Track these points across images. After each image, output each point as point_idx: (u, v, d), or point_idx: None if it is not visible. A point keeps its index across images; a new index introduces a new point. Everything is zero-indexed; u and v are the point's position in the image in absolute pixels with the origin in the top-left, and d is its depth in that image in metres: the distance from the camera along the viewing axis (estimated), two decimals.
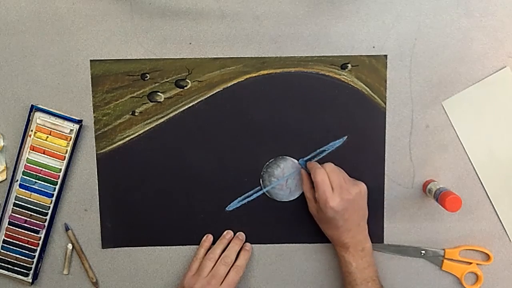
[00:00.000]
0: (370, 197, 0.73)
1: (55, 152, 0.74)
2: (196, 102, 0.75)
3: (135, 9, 0.73)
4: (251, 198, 0.76)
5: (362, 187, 0.71)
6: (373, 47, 0.74)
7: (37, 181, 0.74)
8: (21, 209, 0.75)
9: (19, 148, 0.74)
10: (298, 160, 0.75)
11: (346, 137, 0.75)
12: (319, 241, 0.77)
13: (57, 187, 0.74)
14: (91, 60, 0.73)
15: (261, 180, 0.76)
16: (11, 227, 0.75)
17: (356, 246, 0.71)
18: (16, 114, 0.74)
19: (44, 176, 0.74)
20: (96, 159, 0.75)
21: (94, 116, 0.75)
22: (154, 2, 0.73)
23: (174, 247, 0.77)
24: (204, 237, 0.77)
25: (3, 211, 0.75)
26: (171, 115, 0.75)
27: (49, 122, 0.73)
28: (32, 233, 0.75)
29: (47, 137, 0.73)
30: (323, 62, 0.74)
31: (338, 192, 0.68)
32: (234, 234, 0.77)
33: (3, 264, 0.76)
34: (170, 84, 0.74)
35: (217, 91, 0.75)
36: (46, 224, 0.75)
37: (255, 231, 0.77)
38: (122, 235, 0.77)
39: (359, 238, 0.71)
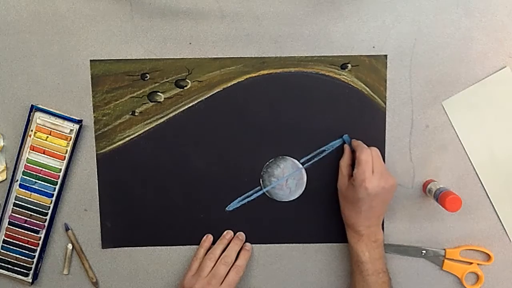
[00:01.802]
0: None
1: (55, 152, 0.74)
2: (196, 102, 0.75)
3: (135, 9, 0.73)
4: (251, 198, 0.76)
5: (395, 183, 0.71)
6: (373, 47, 0.74)
7: (37, 181, 0.74)
8: (21, 209, 0.75)
9: (19, 148, 0.74)
10: (302, 163, 0.75)
11: (347, 135, 0.75)
12: (319, 241, 0.77)
13: (57, 187, 0.74)
14: (91, 60, 0.73)
15: (261, 180, 0.76)
16: (11, 227, 0.75)
17: (370, 236, 0.71)
18: (16, 114, 0.74)
19: (44, 176, 0.74)
20: (96, 159, 0.75)
21: (94, 116, 0.75)
22: (154, 2, 0.73)
23: (174, 247, 0.77)
24: (204, 237, 0.77)
25: (3, 211, 0.75)
26: (171, 115, 0.75)
27: (49, 122, 0.73)
28: (32, 233, 0.75)
29: (47, 137, 0.73)
30: (323, 62, 0.74)
31: (377, 176, 0.68)
32: (234, 234, 0.77)
33: (3, 264, 0.76)
34: (170, 84, 0.74)
35: (217, 91, 0.75)
36: (46, 224, 0.75)
37: (255, 231, 0.77)
38: (122, 235, 0.77)
39: (374, 230, 0.71)
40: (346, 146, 0.74)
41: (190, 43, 0.73)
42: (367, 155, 0.69)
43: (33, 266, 0.76)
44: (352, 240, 0.72)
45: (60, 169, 0.74)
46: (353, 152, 0.73)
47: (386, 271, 0.71)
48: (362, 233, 0.71)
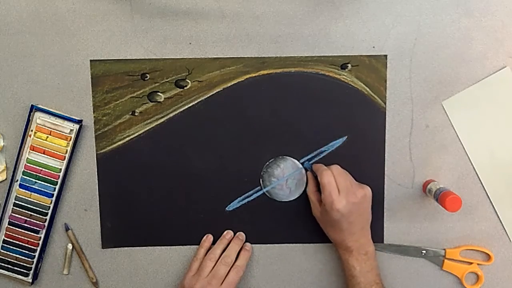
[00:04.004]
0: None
1: (55, 152, 0.74)
2: (196, 102, 0.75)
3: (135, 9, 0.73)
4: (251, 198, 0.76)
5: (367, 191, 0.71)
6: (373, 47, 0.74)
7: (37, 181, 0.74)
8: (21, 209, 0.75)
9: (19, 148, 0.74)
10: (302, 163, 0.75)
11: (346, 137, 0.75)
12: (319, 241, 0.77)
13: (57, 187, 0.74)
14: (91, 60, 0.73)
15: (261, 180, 0.76)
16: (11, 227, 0.75)
17: (359, 249, 0.71)
18: (16, 114, 0.74)
19: (44, 176, 0.74)
20: (96, 159, 0.75)
21: (94, 116, 0.75)
22: (154, 2, 0.73)
23: (174, 247, 0.77)
24: (204, 237, 0.77)
25: (3, 211, 0.75)
26: (171, 115, 0.75)
27: (49, 122, 0.73)
28: (32, 233, 0.75)
29: (47, 137, 0.73)
30: (323, 62, 0.74)
31: (344, 194, 0.68)
32: (234, 234, 0.77)
33: (3, 264, 0.76)
34: (170, 84, 0.74)
35: (217, 91, 0.75)
36: (46, 224, 0.75)
37: (255, 231, 0.77)
38: (122, 235, 0.77)
39: (362, 242, 0.71)
40: (309, 173, 0.75)
41: (190, 43, 0.73)
42: (328, 176, 0.69)
43: (33, 266, 0.76)
44: (343, 257, 0.72)
45: (60, 169, 0.74)
46: (316, 177, 0.73)
47: (380, 282, 0.71)
48: (352, 248, 0.71)
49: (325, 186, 0.68)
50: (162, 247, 0.77)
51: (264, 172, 0.76)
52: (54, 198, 0.75)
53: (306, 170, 0.75)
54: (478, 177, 0.76)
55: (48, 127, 0.73)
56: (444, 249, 0.77)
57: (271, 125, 0.75)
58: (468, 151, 0.75)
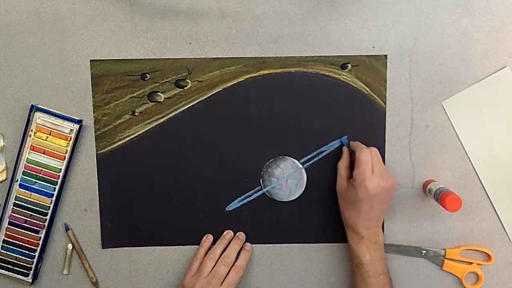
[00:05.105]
0: None
1: (55, 152, 0.74)
2: (196, 102, 0.75)
3: (135, 9, 0.73)
4: (251, 198, 0.76)
5: (395, 183, 0.71)
6: (373, 47, 0.74)
7: (37, 181, 0.74)
8: (21, 209, 0.75)
9: (19, 148, 0.74)
10: (302, 163, 0.75)
11: (346, 137, 0.75)
12: (319, 241, 0.77)
13: (57, 187, 0.74)
14: (91, 60, 0.73)
15: (261, 180, 0.76)
16: (11, 227, 0.75)
17: (370, 237, 0.70)
18: (16, 114, 0.74)
19: (44, 176, 0.74)
20: (96, 159, 0.75)
21: (94, 116, 0.75)
22: (154, 2, 0.73)
23: (174, 247, 0.77)
24: (204, 237, 0.77)
25: (3, 211, 0.75)
26: (171, 115, 0.75)
27: (49, 122, 0.73)
28: (32, 233, 0.75)
29: (47, 137, 0.73)
30: (323, 62, 0.74)
31: (377, 176, 0.68)
32: (234, 234, 0.77)
33: (3, 264, 0.76)
34: (170, 84, 0.74)
35: (217, 91, 0.75)
36: (46, 224, 0.75)
37: (255, 231, 0.77)
38: (122, 235, 0.77)
39: (374, 231, 0.71)
40: (345, 148, 0.74)
41: (190, 43, 0.73)
42: (367, 155, 0.69)
43: (33, 266, 0.76)
44: (352, 242, 0.72)
45: (60, 169, 0.74)
46: (351, 154, 0.73)
47: (387, 272, 0.71)
48: (363, 235, 0.70)
49: (362, 162, 0.68)
50: (162, 247, 0.77)
51: (264, 172, 0.76)
52: (54, 198, 0.75)
53: (343, 144, 0.75)
54: (478, 177, 0.76)
55: (48, 127, 0.73)
56: (444, 249, 0.77)
57: (271, 125, 0.75)
58: (468, 151, 0.75)
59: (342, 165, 0.73)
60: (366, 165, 0.68)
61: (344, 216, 0.73)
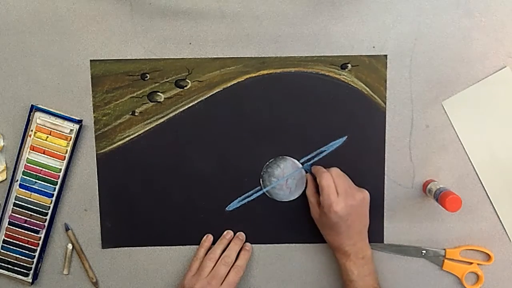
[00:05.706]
0: (371, 197, 0.72)
1: (55, 152, 0.74)
2: (196, 102, 0.75)
3: (135, 9, 0.73)
4: (251, 198, 0.76)
5: (366, 195, 0.71)
6: (373, 47, 0.74)
7: (37, 181, 0.74)
8: (21, 209, 0.75)
9: (19, 148, 0.74)
10: (302, 163, 0.75)
11: (346, 137, 0.75)
12: (319, 241, 0.77)
13: (57, 187, 0.74)
14: (91, 60, 0.73)
15: (261, 180, 0.76)
16: (11, 227, 0.75)
17: (357, 253, 0.71)
18: (16, 114, 0.74)
19: (44, 176, 0.74)
20: (96, 159, 0.75)
21: (94, 116, 0.75)
22: (154, 2, 0.73)
23: (174, 247, 0.77)
24: (204, 237, 0.77)
25: (3, 211, 0.75)
26: (171, 115, 0.75)
27: (49, 122, 0.73)
28: (32, 233, 0.75)
29: (47, 137, 0.73)
30: (323, 62, 0.74)
31: (343, 197, 0.68)
32: (234, 234, 0.77)
33: (3, 264, 0.76)
34: (170, 84, 0.74)
35: (217, 91, 0.75)
36: (46, 224, 0.75)
37: (255, 231, 0.77)
38: (122, 235, 0.77)
39: (360, 246, 0.71)
40: (308, 175, 0.75)
41: (190, 43, 0.73)
42: (328, 179, 0.69)
43: (33, 266, 0.76)
44: (340, 261, 0.72)
45: (60, 169, 0.74)
46: (315, 179, 0.73)
47: (378, 286, 0.71)
48: (349, 252, 0.70)
49: (324, 188, 0.68)
50: (162, 247, 0.77)
51: (264, 172, 0.76)
52: (54, 198, 0.75)
53: (306, 171, 0.75)
54: (478, 177, 0.76)
55: (48, 127, 0.73)
56: (444, 249, 0.77)
57: (271, 125, 0.75)
58: (468, 151, 0.75)
59: (310, 192, 0.74)
60: (330, 189, 0.68)
61: (327, 239, 0.73)
